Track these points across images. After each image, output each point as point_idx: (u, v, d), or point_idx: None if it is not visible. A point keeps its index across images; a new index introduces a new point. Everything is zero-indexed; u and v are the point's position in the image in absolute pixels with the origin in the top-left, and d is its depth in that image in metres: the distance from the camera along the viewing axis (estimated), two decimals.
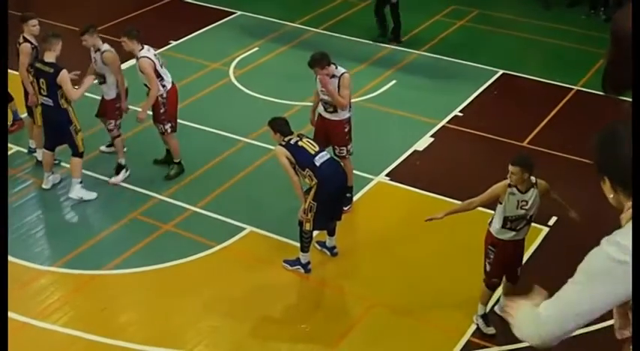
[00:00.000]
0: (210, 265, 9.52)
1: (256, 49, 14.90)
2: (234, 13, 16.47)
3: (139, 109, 10.74)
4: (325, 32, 15.68)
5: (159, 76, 10.41)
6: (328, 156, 9.03)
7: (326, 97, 9.79)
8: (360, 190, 10.71)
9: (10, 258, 9.54)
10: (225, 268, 9.46)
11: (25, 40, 10.76)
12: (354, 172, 10.33)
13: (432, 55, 14.80)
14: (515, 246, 8.09)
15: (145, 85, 10.49)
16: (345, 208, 9.89)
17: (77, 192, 10.46)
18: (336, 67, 9.72)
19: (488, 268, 8.18)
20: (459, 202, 8.86)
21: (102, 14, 16.05)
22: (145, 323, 8.68)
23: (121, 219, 10.22)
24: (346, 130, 9.95)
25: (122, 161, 10.94)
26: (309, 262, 9.28)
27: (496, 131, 12.21)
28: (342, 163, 9.71)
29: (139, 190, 10.53)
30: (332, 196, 8.93)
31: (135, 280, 9.30)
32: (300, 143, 8.89)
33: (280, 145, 8.93)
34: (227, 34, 15.65)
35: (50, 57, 10.07)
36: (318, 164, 8.81)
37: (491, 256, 8.10)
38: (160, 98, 10.45)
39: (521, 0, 17.37)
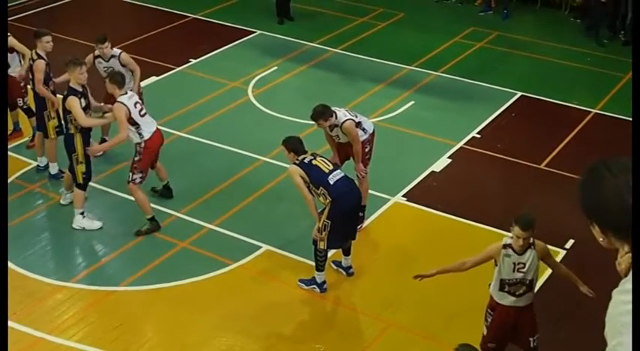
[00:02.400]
0: (225, 283, 9.52)
1: (275, 68, 14.96)
2: (253, 32, 16.56)
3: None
4: (344, 52, 15.73)
5: (134, 123, 9.88)
6: (342, 174, 9.03)
7: (341, 141, 9.96)
8: (377, 210, 10.70)
9: (26, 273, 9.61)
10: (240, 286, 9.45)
11: (39, 56, 10.86)
12: (370, 191, 10.33)
13: (450, 76, 14.81)
14: (518, 313, 7.46)
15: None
16: (358, 228, 9.93)
17: (78, 222, 10.37)
18: (336, 117, 9.71)
19: (485, 331, 7.71)
20: (479, 224, 8.80)
21: (123, 32, 16.20)
22: (159, 340, 8.68)
23: (138, 236, 10.24)
24: (367, 150, 10.00)
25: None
26: (324, 282, 9.27)
27: (514, 153, 12.18)
28: (358, 183, 9.73)
29: (156, 207, 10.54)
30: (346, 215, 8.93)
31: (150, 297, 9.31)
32: (314, 162, 8.91)
33: (294, 163, 8.94)
34: (246, 53, 15.72)
35: (70, 81, 10.09)
36: (332, 182, 8.82)
37: (489, 320, 7.61)
38: (137, 146, 10.01)
39: (541, 22, 17.37)
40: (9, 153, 11.96)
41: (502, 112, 13.52)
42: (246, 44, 16.11)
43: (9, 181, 11.25)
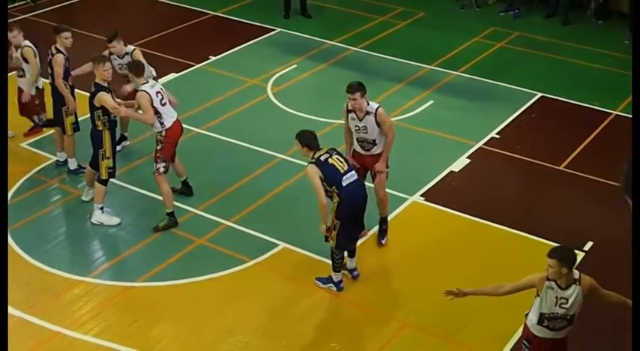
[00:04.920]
0: (242, 280, 9.53)
1: (294, 66, 14.96)
2: (273, 30, 16.57)
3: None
4: (364, 51, 15.70)
5: (156, 112, 9.94)
6: (356, 177, 8.94)
7: (365, 136, 9.58)
8: (395, 210, 10.67)
9: (44, 267, 9.66)
10: (257, 284, 9.46)
11: (58, 51, 10.91)
12: (389, 190, 10.26)
13: (470, 76, 14.76)
14: (554, 345, 7.15)
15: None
16: (383, 241, 10.01)
17: (97, 217, 10.42)
18: (369, 104, 9.48)
19: None
20: (497, 225, 8.74)
21: (143, 28, 16.28)
22: (175, 337, 8.70)
23: (156, 231, 10.28)
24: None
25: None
26: (341, 281, 9.26)
27: (533, 154, 12.12)
28: (375, 184, 9.73)
29: (174, 204, 10.55)
30: (354, 215, 8.91)
31: (167, 293, 9.34)
32: (330, 160, 8.82)
33: (311, 162, 8.87)
34: (266, 50, 15.73)
35: (95, 78, 10.16)
36: (344, 184, 8.76)
37: None
38: (158, 136, 10.08)
39: (561, 23, 17.25)
40: (29, 148, 12.08)
41: (522, 112, 13.45)
42: (266, 42, 16.12)
43: (29, 176, 11.34)
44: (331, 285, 9.27)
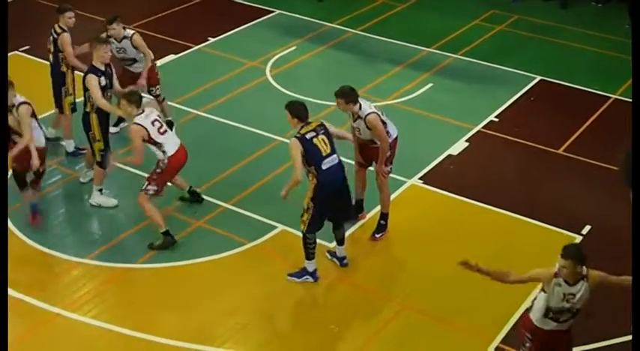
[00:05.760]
0: (241, 262, 9.55)
1: (294, 48, 14.93)
2: (272, 11, 16.51)
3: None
4: (363, 33, 15.66)
5: (156, 143, 9.47)
6: (337, 161, 8.84)
7: (359, 136, 9.57)
8: (394, 193, 10.67)
9: (43, 248, 9.68)
10: (255, 266, 9.48)
11: (63, 30, 10.89)
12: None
13: (469, 59, 14.73)
14: (557, 336, 7.19)
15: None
16: (377, 236, 9.92)
17: (96, 199, 10.43)
18: (360, 108, 9.35)
19: None
20: (495, 209, 8.73)
21: (142, 9, 16.20)
22: (173, 318, 8.72)
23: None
24: (388, 154, 9.67)
25: (171, 118, 11.75)
26: (316, 270, 9.21)
27: (531, 138, 12.12)
28: (378, 186, 9.75)
29: (173, 187, 10.56)
30: (330, 199, 8.85)
31: (165, 275, 9.36)
32: (315, 140, 8.72)
33: (296, 137, 8.76)
34: (265, 32, 15.69)
35: (92, 59, 10.10)
36: (324, 167, 8.72)
37: (527, 345, 7.29)
38: (160, 162, 9.60)
39: (560, 6, 17.19)
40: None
41: (521, 96, 13.44)
42: (265, 23, 16.06)
43: None
44: (307, 277, 9.19)
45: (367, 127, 9.35)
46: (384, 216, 9.99)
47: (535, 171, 11.62)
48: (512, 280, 7.19)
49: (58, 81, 11.12)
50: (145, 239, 9.87)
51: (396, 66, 14.30)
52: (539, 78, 13.99)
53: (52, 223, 10.19)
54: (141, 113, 9.49)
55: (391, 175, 9.98)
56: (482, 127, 12.42)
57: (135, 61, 11.43)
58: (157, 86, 11.75)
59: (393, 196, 10.59)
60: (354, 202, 9.68)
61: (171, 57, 14.38)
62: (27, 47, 14.35)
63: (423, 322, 8.73)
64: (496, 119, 12.66)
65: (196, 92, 13.14)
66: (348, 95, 9.28)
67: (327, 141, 8.83)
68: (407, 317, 8.78)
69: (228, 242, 9.80)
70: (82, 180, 10.88)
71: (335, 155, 8.85)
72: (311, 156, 8.70)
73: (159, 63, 11.68)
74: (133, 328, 8.52)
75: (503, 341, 8.42)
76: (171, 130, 10.65)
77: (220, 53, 14.69)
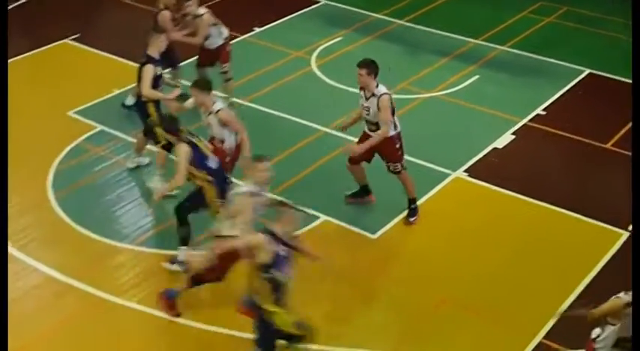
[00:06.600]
0: None
1: (339, 39, 14.91)
2: (318, 2, 16.51)
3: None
4: (409, 24, 15.59)
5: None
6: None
7: (367, 116, 9.63)
8: (437, 185, 10.65)
9: (90, 234, 9.80)
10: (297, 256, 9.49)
11: (165, 8, 11.70)
12: (431, 165, 10.24)
13: (517, 51, 14.59)
14: None
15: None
16: (411, 219, 9.97)
17: (154, 183, 10.44)
18: (377, 86, 9.52)
19: None
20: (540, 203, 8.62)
21: None
22: (214, 305, 8.78)
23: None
24: (397, 146, 9.73)
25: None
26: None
27: (579, 132, 11.99)
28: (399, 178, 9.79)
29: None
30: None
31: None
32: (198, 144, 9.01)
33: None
34: (311, 23, 15.69)
35: (150, 49, 10.28)
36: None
37: None
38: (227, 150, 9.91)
39: None
40: (76, 116, 12.20)
41: (569, 89, 13.29)
42: (311, 14, 16.07)
43: (75, 144, 11.48)
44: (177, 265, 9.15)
45: (378, 107, 9.44)
46: (411, 201, 10.02)
47: (581, 165, 11.50)
48: (598, 314, 6.98)
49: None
50: (192, 227, 9.93)
51: (442, 57, 14.22)
52: (587, 71, 13.82)
53: (98, 209, 10.30)
54: (215, 102, 9.76)
55: (436, 166, 9.92)
56: (529, 121, 12.30)
57: (209, 37, 11.97)
58: (225, 64, 12.20)
59: (437, 189, 10.59)
60: (357, 189, 10.05)
61: None
62: (77, 35, 14.52)
63: (465, 315, 8.69)
64: (543, 112, 12.54)
65: (242, 82, 13.18)
66: (370, 67, 9.51)
67: (207, 144, 9.39)
68: (448, 309, 8.76)
69: None
70: (129, 165, 11.00)
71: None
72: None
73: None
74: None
75: (546, 336, 8.36)
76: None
77: (266, 43, 14.72)
